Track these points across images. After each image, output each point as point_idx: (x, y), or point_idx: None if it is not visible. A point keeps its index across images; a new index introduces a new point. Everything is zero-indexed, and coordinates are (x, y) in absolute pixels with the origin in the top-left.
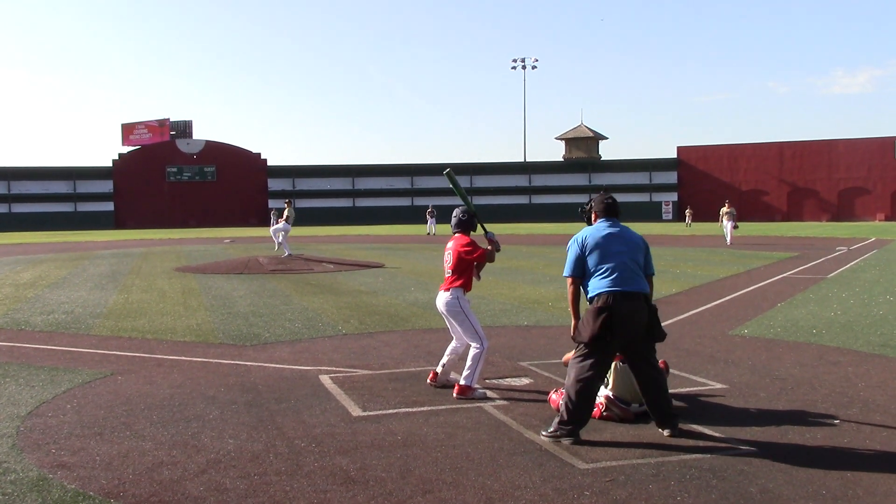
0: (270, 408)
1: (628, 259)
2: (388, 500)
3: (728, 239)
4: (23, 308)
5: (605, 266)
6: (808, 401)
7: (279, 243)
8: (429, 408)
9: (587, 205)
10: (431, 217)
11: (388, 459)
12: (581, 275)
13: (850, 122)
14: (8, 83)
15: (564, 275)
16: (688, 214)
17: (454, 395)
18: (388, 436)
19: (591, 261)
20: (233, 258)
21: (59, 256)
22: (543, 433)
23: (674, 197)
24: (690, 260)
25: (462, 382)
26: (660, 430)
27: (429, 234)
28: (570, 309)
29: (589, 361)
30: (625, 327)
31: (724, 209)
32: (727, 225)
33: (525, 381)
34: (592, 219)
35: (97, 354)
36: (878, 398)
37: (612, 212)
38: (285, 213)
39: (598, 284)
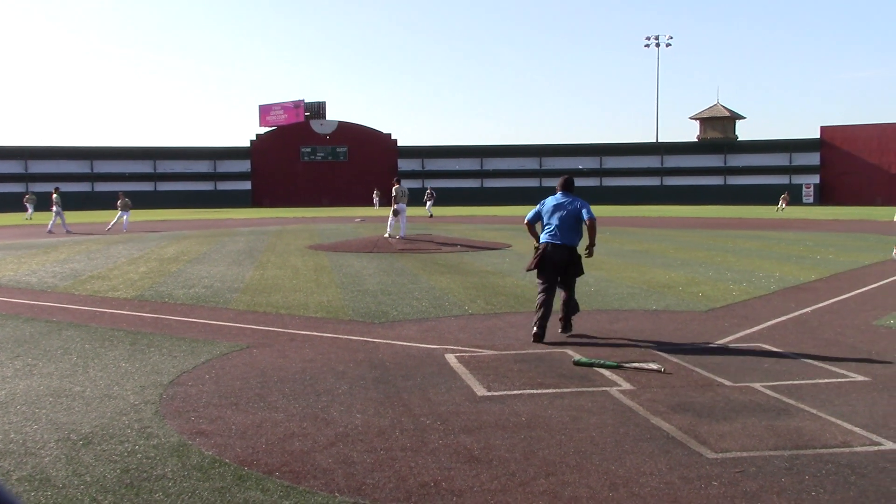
0: (397, 384)
1: (563, 222)
2: (510, 480)
3: None
4: (167, 282)
5: (549, 224)
6: None
7: (390, 224)
8: (553, 390)
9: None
10: (430, 199)
11: (511, 440)
12: (535, 223)
13: None
14: (152, 67)
15: (525, 221)
16: (782, 199)
17: None
18: (512, 416)
19: (544, 218)
20: (363, 237)
21: (200, 233)
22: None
23: (815, 179)
24: (832, 246)
25: None
26: (539, 341)
27: (430, 216)
28: (535, 242)
29: (539, 283)
30: (552, 264)
31: None
32: None
33: (653, 365)
34: (556, 189)
35: (234, 328)
36: None
37: (566, 188)
38: (392, 192)
39: (542, 236)
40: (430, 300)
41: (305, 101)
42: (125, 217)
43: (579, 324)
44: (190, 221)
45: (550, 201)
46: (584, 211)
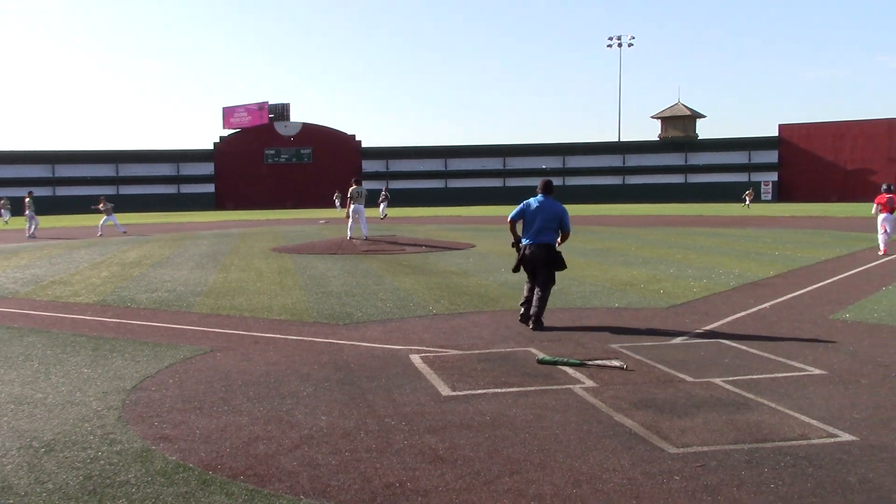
0: (362, 386)
1: (543, 223)
2: (475, 479)
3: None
4: (129, 286)
5: (531, 225)
6: None
7: (350, 227)
8: (517, 389)
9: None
10: (385, 200)
11: (476, 439)
12: (517, 221)
13: None
14: (114, 69)
15: (509, 219)
16: (747, 195)
17: None
18: (476, 416)
19: (526, 218)
20: (327, 239)
21: (163, 236)
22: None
23: (774, 177)
24: (790, 242)
25: None
26: (523, 322)
27: (383, 217)
28: (512, 237)
29: (526, 278)
30: (533, 262)
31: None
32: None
33: (616, 363)
34: (537, 191)
35: (197, 331)
36: None
37: (545, 190)
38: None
39: (524, 235)
40: (394, 301)
41: (270, 102)
42: (113, 220)
43: (543, 321)
44: (153, 225)
45: (534, 203)
46: (563, 220)
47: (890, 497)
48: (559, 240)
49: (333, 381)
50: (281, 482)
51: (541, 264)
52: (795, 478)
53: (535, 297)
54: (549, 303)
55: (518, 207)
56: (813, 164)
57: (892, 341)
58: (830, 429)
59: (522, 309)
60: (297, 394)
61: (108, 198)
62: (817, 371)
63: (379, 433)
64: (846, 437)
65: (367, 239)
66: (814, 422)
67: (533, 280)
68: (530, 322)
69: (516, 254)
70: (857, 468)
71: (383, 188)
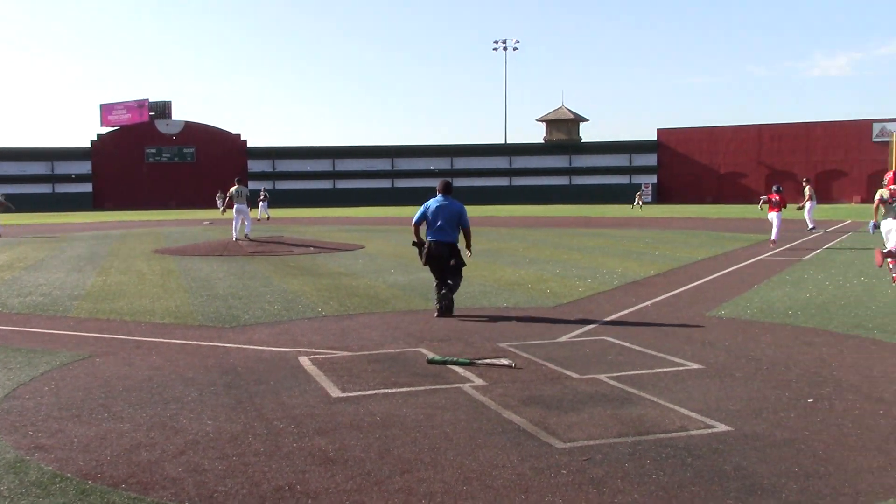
0: (249, 389)
1: (444, 222)
2: (366, 480)
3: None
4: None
5: (433, 224)
6: (783, 381)
7: (235, 228)
8: (408, 389)
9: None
10: (264, 201)
11: (366, 440)
12: (421, 223)
13: (829, 105)
14: None
15: (413, 223)
16: (638, 196)
17: None
18: (366, 416)
19: (429, 218)
20: (212, 240)
21: (37, 238)
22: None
23: (653, 179)
24: (669, 242)
25: None
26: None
27: (259, 219)
28: (415, 239)
29: (434, 275)
30: (436, 258)
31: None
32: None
33: (504, 361)
34: (437, 192)
35: (75, 336)
36: (850, 378)
37: (445, 191)
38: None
39: (428, 234)
40: (282, 303)
41: (150, 100)
42: None
43: (431, 323)
44: (26, 226)
45: (433, 204)
46: (462, 219)
47: (761, 483)
48: (463, 237)
49: (220, 384)
50: (165, 489)
51: (444, 260)
52: (676, 468)
53: (445, 289)
54: (436, 303)
55: (420, 210)
56: (689, 167)
57: (763, 336)
58: (707, 420)
59: (437, 305)
60: (182, 398)
61: None
62: (695, 366)
63: (267, 436)
64: (722, 427)
65: (249, 239)
66: (692, 414)
67: (441, 276)
68: (440, 309)
69: (420, 249)
70: (732, 457)
71: (262, 189)
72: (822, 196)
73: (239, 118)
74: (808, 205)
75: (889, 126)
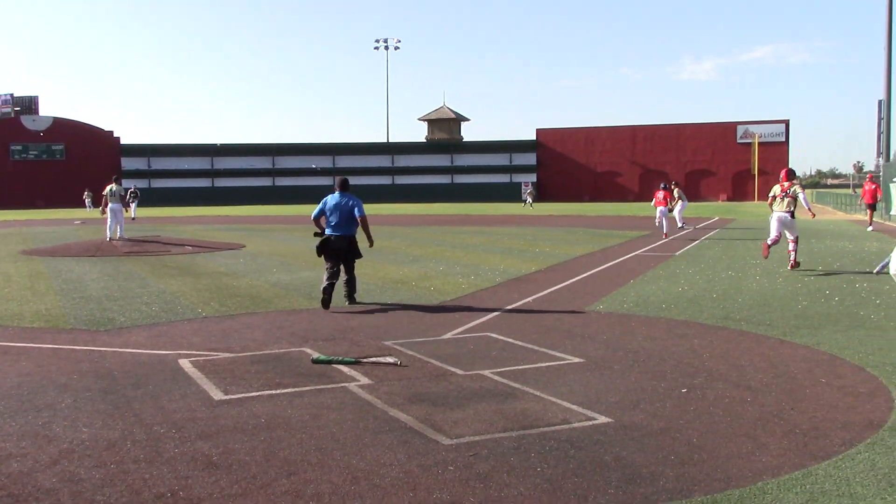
0: (127, 394)
1: (340, 218)
2: (251, 483)
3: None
4: None
5: (331, 219)
6: (658, 372)
7: (109, 227)
8: (293, 389)
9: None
10: (134, 199)
11: (251, 443)
12: (319, 217)
13: (697, 107)
14: None
15: (312, 217)
16: (528, 194)
17: None
18: (251, 419)
19: (328, 214)
20: (84, 240)
21: None
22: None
23: (533, 178)
24: (549, 239)
25: None
26: (325, 307)
27: (134, 218)
28: (317, 229)
29: (327, 266)
30: (335, 251)
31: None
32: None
33: (390, 359)
34: (334, 188)
35: None
36: (720, 367)
37: (342, 188)
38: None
39: (327, 228)
40: (160, 304)
41: (14, 95)
42: None
43: (315, 322)
44: None
45: (331, 200)
46: (356, 210)
47: (640, 472)
48: (362, 226)
49: (95, 390)
50: (39, 501)
51: (343, 252)
52: (559, 460)
53: (344, 281)
54: (323, 304)
55: (318, 206)
56: (567, 166)
57: (640, 329)
58: (589, 412)
59: (323, 295)
60: (55, 406)
61: None
62: (576, 359)
63: (147, 442)
64: (602, 419)
65: (124, 239)
66: (574, 407)
67: (336, 267)
68: (346, 300)
69: (319, 238)
70: (612, 447)
71: (133, 187)
72: (691, 194)
73: (113, 115)
74: (678, 205)
75: (752, 128)
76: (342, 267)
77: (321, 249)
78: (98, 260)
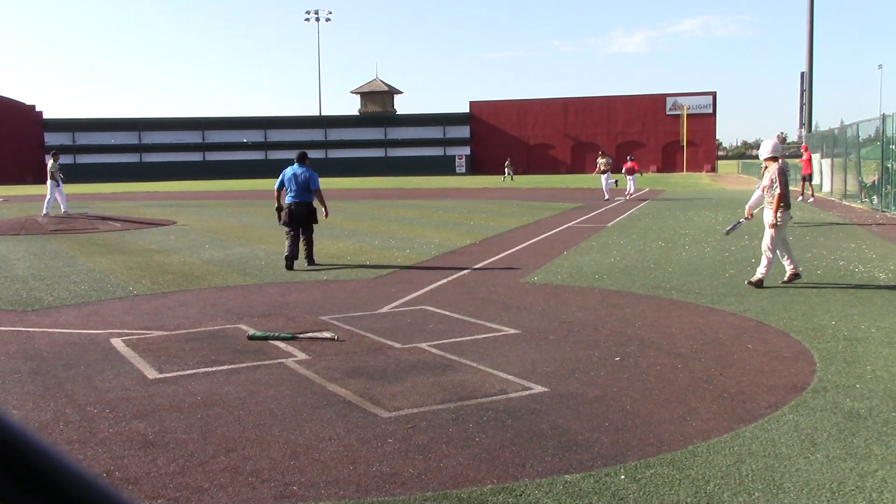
0: (58, 375)
1: (298, 188)
2: (189, 461)
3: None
4: None
5: (291, 188)
6: (593, 341)
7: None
8: (229, 366)
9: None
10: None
11: (188, 421)
12: (281, 188)
13: (627, 80)
14: None
15: (275, 188)
16: (507, 168)
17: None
18: (187, 397)
19: (287, 185)
20: (7, 218)
21: None
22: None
23: (467, 151)
24: (483, 212)
25: None
26: (306, 265)
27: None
28: (276, 204)
29: (287, 231)
30: (296, 218)
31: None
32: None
33: (327, 334)
34: (294, 162)
35: None
36: (652, 336)
37: (300, 160)
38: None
39: (287, 197)
40: (90, 283)
41: None
42: None
43: (250, 298)
44: None
45: (290, 171)
46: (311, 182)
47: (576, 439)
48: (316, 199)
49: (24, 371)
50: None
51: (303, 219)
52: (497, 430)
53: (303, 246)
54: (257, 279)
55: (280, 178)
56: (501, 138)
57: (573, 300)
58: (525, 382)
59: (286, 262)
60: None
61: None
62: (512, 331)
63: (81, 423)
64: (538, 388)
65: (49, 216)
66: (510, 377)
67: (295, 231)
68: (306, 261)
69: (279, 212)
70: (549, 416)
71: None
72: (621, 167)
73: (35, 89)
74: (604, 177)
75: (680, 100)
76: (301, 232)
77: (283, 216)
78: (23, 238)
